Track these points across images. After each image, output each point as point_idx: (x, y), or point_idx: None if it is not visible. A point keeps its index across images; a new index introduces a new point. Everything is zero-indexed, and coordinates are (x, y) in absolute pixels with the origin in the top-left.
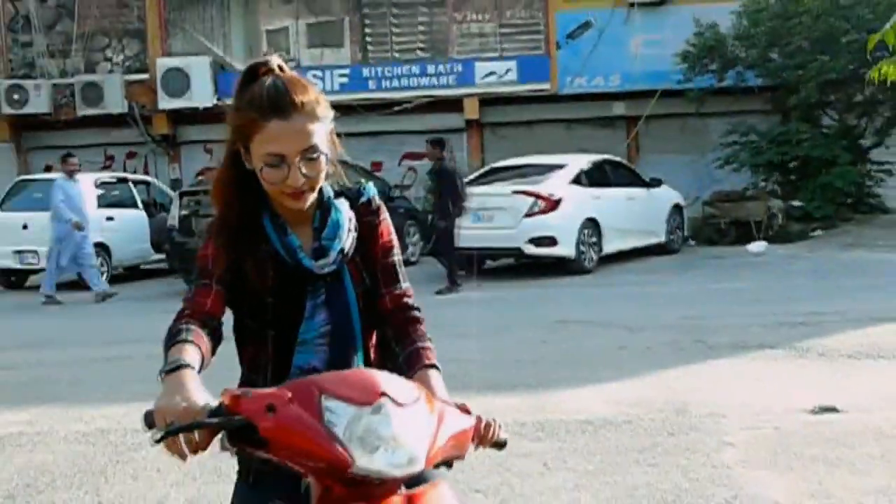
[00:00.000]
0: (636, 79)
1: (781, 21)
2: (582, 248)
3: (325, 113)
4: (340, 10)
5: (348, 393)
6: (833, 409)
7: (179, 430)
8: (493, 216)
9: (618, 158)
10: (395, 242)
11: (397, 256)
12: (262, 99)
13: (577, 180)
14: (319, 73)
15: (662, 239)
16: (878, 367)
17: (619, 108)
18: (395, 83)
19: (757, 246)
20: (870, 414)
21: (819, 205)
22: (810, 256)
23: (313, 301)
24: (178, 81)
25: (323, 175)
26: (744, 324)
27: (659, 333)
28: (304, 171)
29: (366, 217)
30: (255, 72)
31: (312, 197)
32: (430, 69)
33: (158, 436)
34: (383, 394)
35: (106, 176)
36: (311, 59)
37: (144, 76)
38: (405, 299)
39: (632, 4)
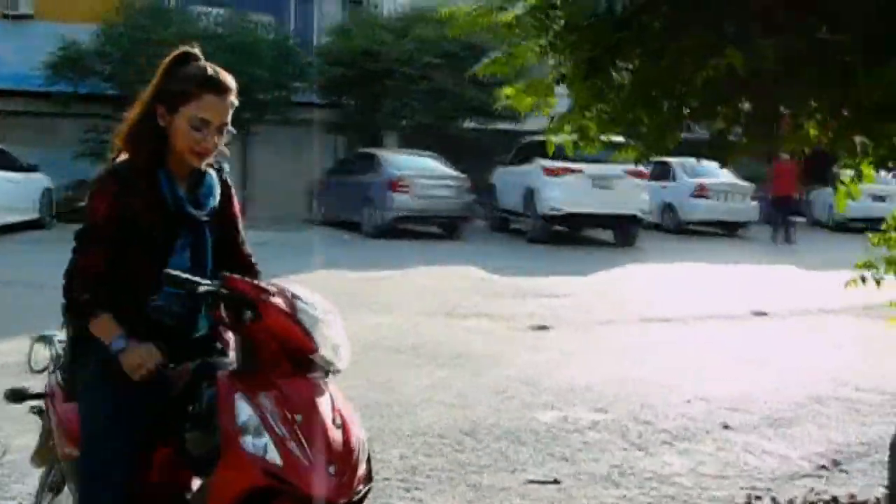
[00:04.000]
0: (3, 79)
1: (135, 44)
2: None
3: (235, 101)
4: None
5: (313, 302)
6: None
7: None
8: None
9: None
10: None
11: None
12: (204, 76)
13: None
14: None
15: (37, 216)
16: None
17: None
18: None
19: None
20: None
21: None
22: None
23: (183, 241)
24: None
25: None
26: None
27: None
28: (216, 138)
29: (224, 188)
30: (188, 56)
31: (206, 159)
32: None
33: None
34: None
35: None
36: None
37: None
38: (249, 253)
39: (5, 16)
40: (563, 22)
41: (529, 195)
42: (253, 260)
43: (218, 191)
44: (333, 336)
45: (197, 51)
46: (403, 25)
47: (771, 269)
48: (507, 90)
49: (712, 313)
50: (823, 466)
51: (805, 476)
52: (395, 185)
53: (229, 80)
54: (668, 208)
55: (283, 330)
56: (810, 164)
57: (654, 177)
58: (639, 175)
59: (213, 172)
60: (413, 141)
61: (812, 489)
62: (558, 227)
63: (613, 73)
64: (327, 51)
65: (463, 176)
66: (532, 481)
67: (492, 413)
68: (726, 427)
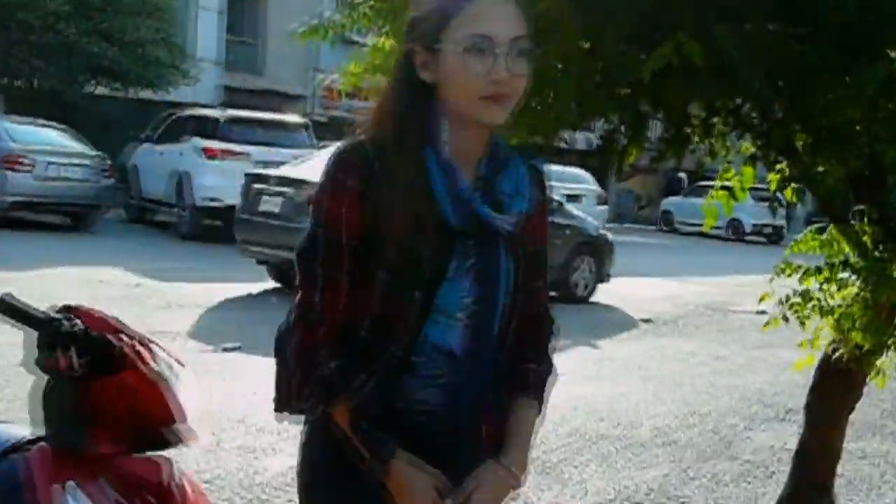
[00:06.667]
0: None
1: None
2: None
3: None
4: None
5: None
6: None
7: None
8: None
9: None
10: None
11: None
12: None
13: None
14: None
15: None
16: None
17: None
18: None
19: None
20: None
21: None
22: None
23: (460, 262)
24: None
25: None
26: None
27: None
28: (512, 65)
29: (538, 189)
30: None
31: (508, 110)
32: None
33: None
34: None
35: None
36: None
37: None
38: (540, 301)
39: None
40: None
41: (181, 181)
42: (542, 307)
43: (531, 191)
44: (196, 400)
45: None
46: None
47: None
48: (354, 67)
49: None
50: None
51: None
52: (12, 161)
53: None
54: None
55: (143, 390)
56: None
57: None
58: None
59: (520, 162)
60: (22, 106)
61: None
62: (211, 222)
63: None
64: None
65: (100, 154)
66: None
67: (214, 464)
68: None
